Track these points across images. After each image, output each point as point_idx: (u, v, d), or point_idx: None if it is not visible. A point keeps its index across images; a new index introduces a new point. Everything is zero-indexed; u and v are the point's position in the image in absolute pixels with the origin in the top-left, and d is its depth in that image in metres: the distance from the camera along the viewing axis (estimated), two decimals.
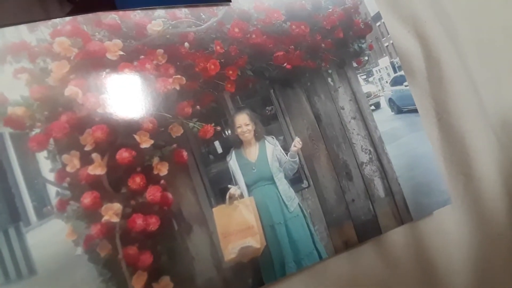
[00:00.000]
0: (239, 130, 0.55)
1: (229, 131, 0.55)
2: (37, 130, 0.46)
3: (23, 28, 0.48)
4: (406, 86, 0.64)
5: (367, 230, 0.57)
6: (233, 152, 0.55)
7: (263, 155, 0.56)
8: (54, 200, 0.45)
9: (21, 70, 0.46)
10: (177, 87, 0.52)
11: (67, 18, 0.49)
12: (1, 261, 0.44)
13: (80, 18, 0.50)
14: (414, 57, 0.66)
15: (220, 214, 0.51)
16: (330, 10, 0.62)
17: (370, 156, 0.60)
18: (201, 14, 0.55)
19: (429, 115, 0.65)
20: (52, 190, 0.45)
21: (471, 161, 0.64)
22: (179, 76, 0.52)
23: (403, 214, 0.59)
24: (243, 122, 0.55)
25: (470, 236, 0.63)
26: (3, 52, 0.46)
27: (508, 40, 0.75)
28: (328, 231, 0.56)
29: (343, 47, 0.62)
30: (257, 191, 0.54)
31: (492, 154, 0.65)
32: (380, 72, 0.65)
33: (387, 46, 0.66)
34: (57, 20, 0.49)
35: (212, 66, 0.54)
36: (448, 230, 0.62)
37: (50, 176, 0.45)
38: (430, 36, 0.66)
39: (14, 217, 0.45)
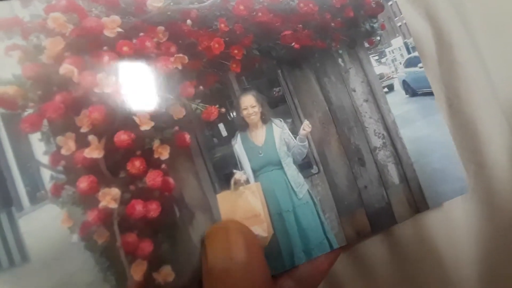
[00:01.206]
0: (244, 112, 0.52)
1: (234, 113, 0.52)
2: (30, 111, 0.43)
3: (15, 2, 0.45)
4: (420, 67, 0.61)
5: (381, 219, 0.54)
6: (239, 135, 0.52)
7: (270, 139, 0.53)
8: (48, 185, 0.43)
9: (13, 47, 0.44)
10: (179, 67, 0.49)
11: None
12: None
13: None
14: (424, 40, 0.62)
15: (224, 200, 0.48)
16: None
17: (384, 140, 0.56)
18: None
19: (439, 101, 0.62)
20: (46, 174, 0.43)
21: (483, 149, 0.60)
22: (181, 55, 0.49)
23: (419, 202, 0.55)
24: (249, 103, 0.52)
25: (481, 227, 0.60)
26: None
27: None
28: (339, 220, 0.53)
29: (353, 26, 0.59)
30: (264, 176, 0.51)
31: (505, 141, 0.62)
32: (393, 53, 0.61)
33: (400, 26, 0.62)
34: None
35: (216, 45, 0.51)
36: (459, 220, 0.59)
37: (44, 159, 0.43)
38: (442, 18, 0.62)
39: (6, 202, 0.43)
